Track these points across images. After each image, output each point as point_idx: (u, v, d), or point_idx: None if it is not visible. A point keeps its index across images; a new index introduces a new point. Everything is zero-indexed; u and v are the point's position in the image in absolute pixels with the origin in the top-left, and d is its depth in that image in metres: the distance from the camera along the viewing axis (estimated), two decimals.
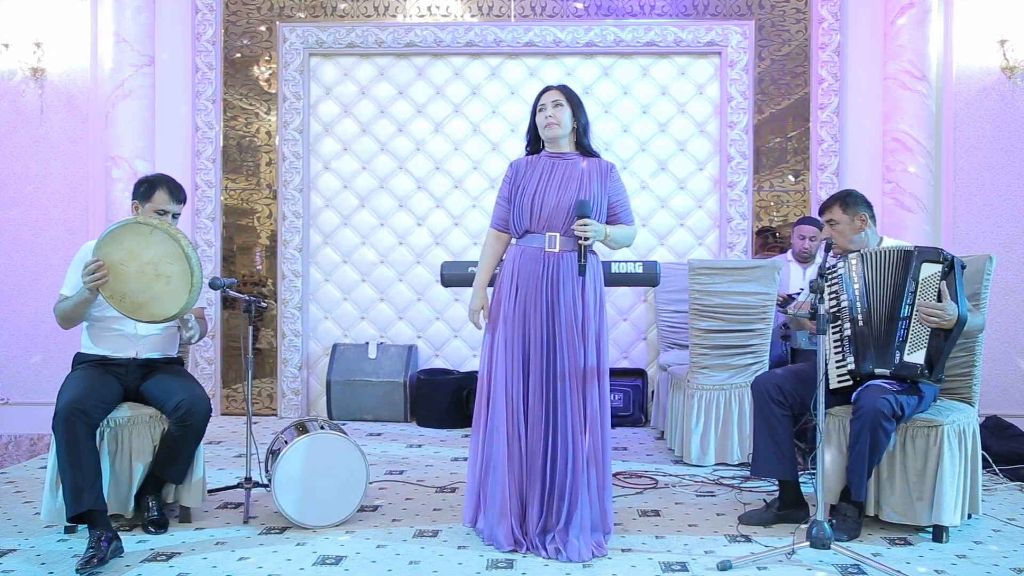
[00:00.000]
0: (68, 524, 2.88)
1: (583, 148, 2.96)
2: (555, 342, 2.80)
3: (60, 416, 2.73)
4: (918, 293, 2.87)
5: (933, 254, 2.89)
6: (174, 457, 2.96)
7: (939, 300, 2.84)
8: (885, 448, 2.87)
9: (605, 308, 2.93)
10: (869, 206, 3.17)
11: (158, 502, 3.00)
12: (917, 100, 4.95)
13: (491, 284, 3.02)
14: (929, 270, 2.87)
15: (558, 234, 2.84)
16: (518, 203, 2.90)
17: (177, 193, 3.10)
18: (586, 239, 2.76)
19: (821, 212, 3.23)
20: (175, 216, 3.09)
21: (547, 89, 2.97)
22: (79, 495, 2.69)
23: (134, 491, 2.96)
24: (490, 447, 2.83)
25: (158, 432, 2.99)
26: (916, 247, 2.95)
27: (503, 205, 2.96)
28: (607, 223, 2.91)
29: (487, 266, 3.00)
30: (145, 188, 3.09)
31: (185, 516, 3.09)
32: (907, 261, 2.92)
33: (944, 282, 2.84)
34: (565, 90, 2.96)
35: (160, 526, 2.95)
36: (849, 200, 3.14)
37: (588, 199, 2.81)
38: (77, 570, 2.54)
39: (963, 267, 2.90)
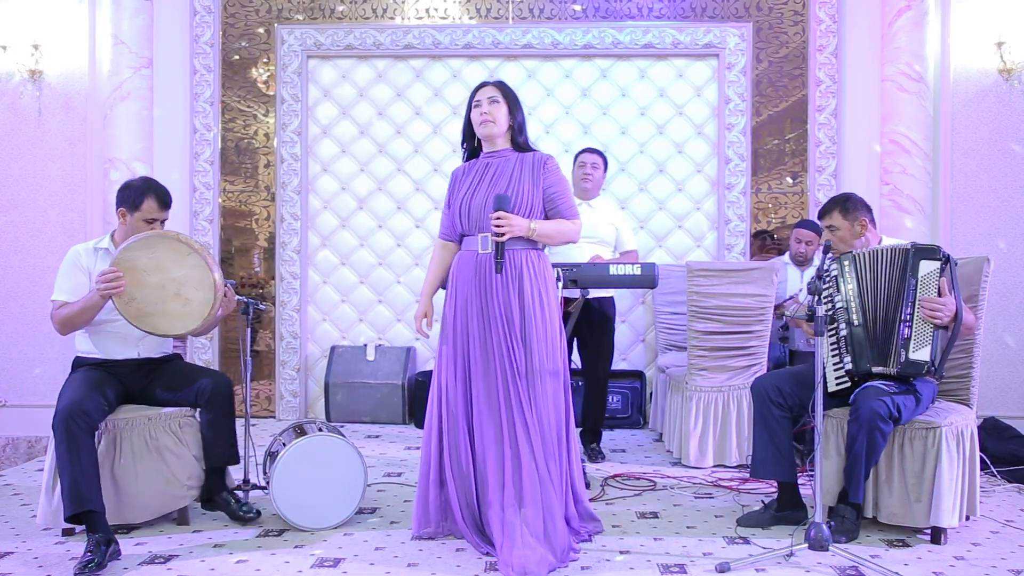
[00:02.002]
0: (65, 527, 2.88)
1: (518, 146, 2.89)
2: (490, 346, 2.72)
3: (60, 416, 2.73)
4: (919, 290, 2.87)
5: (930, 252, 2.89)
6: (219, 440, 3.04)
7: (939, 296, 2.85)
8: (882, 450, 2.87)
9: (553, 307, 2.80)
10: (869, 209, 3.15)
11: (232, 494, 3.11)
12: (915, 102, 4.96)
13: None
14: (928, 267, 2.88)
15: (490, 235, 2.75)
16: (453, 209, 2.88)
17: (165, 200, 3.07)
18: (501, 235, 2.67)
19: (820, 217, 3.20)
20: (162, 223, 3.08)
21: (483, 85, 2.90)
22: (78, 494, 2.68)
23: (136, 495, 2.94)
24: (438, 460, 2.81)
25: (157, 434, 2.98)
26: (912, 244, 2.95)
27: (445, 213, 2.96)
28: (547, 218, 2.83)
29: (432, 274, 2.99)
30: (133, 196, 3.02)
31: (183, 518, 3.08)
32: (905, 259, 2.92)
33: (943, 279, 2.86)
34: (501, 86, 2.90)
35: (251, 512, 3.08)
36: (848, 206, 3.11)
37: (511, 194, 2.73)
38: (76, 574, 2.53)
39: (956, 263, 2.91)
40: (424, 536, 2.86)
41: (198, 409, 3.08)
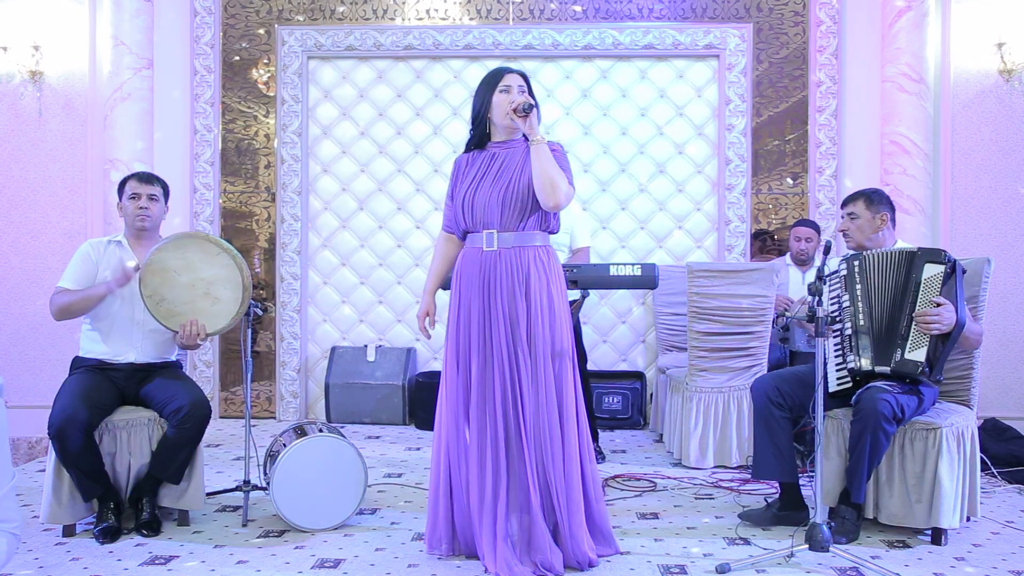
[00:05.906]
0: (66, 524, 2.93)
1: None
2: (491, 351, 2.61)
3: (52, 427, 2.80)
4: (920, 293, 2.87)
5: (936, 255, 2.89)
6: (172, 459, 2.96)
7: (939, 303, 2.83)
8: (886, 450, 2.86)
9: (561, 306, 2.66)
10: (892, 208, 3.18)
11: (152, 504, 3.00)
12: (915, 103, 4.95)
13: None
14: (932, 271, 2.87)
15: (495, 231, 2.64)
16: (455, 203, 2.75)
17: (144, 176, 3.22)
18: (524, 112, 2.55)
19: (844, 204, 3.23)
20: (151, 197, 3.16)
21: (508, 71, 2.72)
22: (83, 491, 2.87)
23: (128, 493, 2.98)
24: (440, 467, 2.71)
25: (156, 435, 3.00)
26: (919, 248, 2.96)
27: (449, 205, 2.79)
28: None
29: (435, 269, 2.84)
30: (119, 187, 3.21)
31: (183, 519, 3.08)
32: (911, 261, 2.92)
33: (945, 285, 2.84)
34: (527, 79, 2.73)
35: (152, 528, 2.94)
36: (874, 197, 3.16)
37: (511, 190, 2.62)
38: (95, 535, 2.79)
39: (964, 271, 2.91)
40: (436, 554, 2.70)
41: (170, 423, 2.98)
